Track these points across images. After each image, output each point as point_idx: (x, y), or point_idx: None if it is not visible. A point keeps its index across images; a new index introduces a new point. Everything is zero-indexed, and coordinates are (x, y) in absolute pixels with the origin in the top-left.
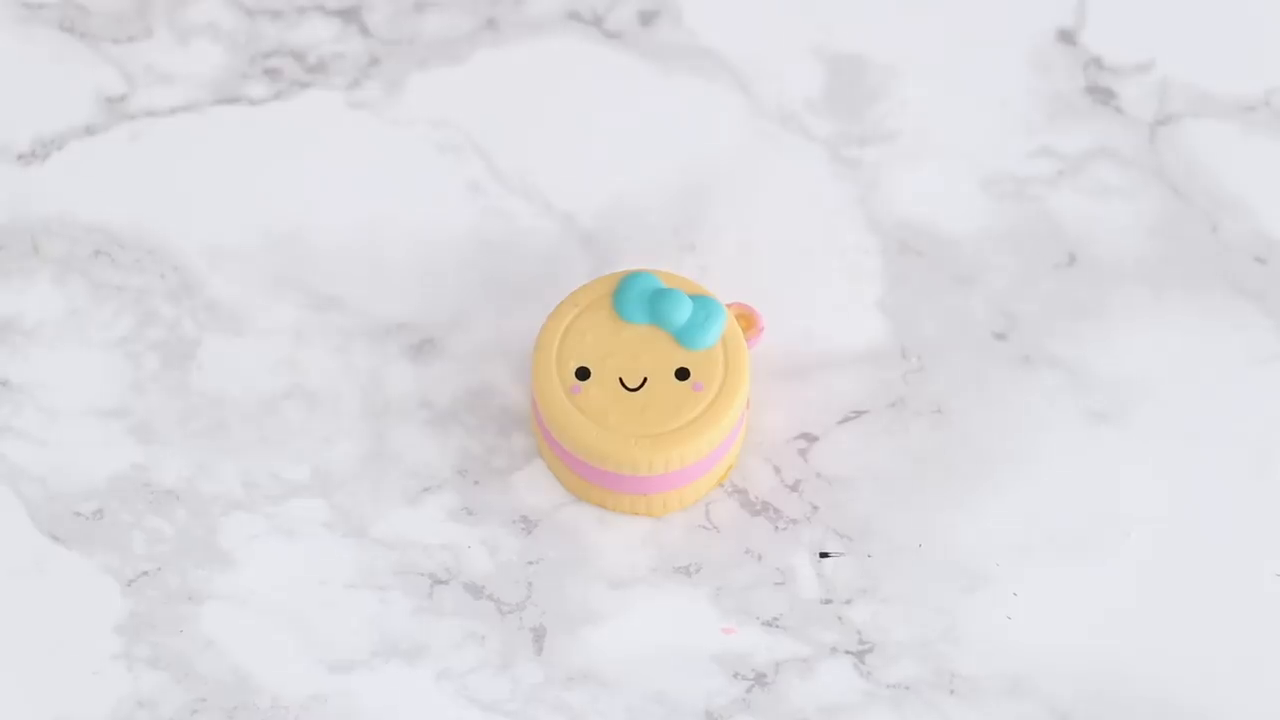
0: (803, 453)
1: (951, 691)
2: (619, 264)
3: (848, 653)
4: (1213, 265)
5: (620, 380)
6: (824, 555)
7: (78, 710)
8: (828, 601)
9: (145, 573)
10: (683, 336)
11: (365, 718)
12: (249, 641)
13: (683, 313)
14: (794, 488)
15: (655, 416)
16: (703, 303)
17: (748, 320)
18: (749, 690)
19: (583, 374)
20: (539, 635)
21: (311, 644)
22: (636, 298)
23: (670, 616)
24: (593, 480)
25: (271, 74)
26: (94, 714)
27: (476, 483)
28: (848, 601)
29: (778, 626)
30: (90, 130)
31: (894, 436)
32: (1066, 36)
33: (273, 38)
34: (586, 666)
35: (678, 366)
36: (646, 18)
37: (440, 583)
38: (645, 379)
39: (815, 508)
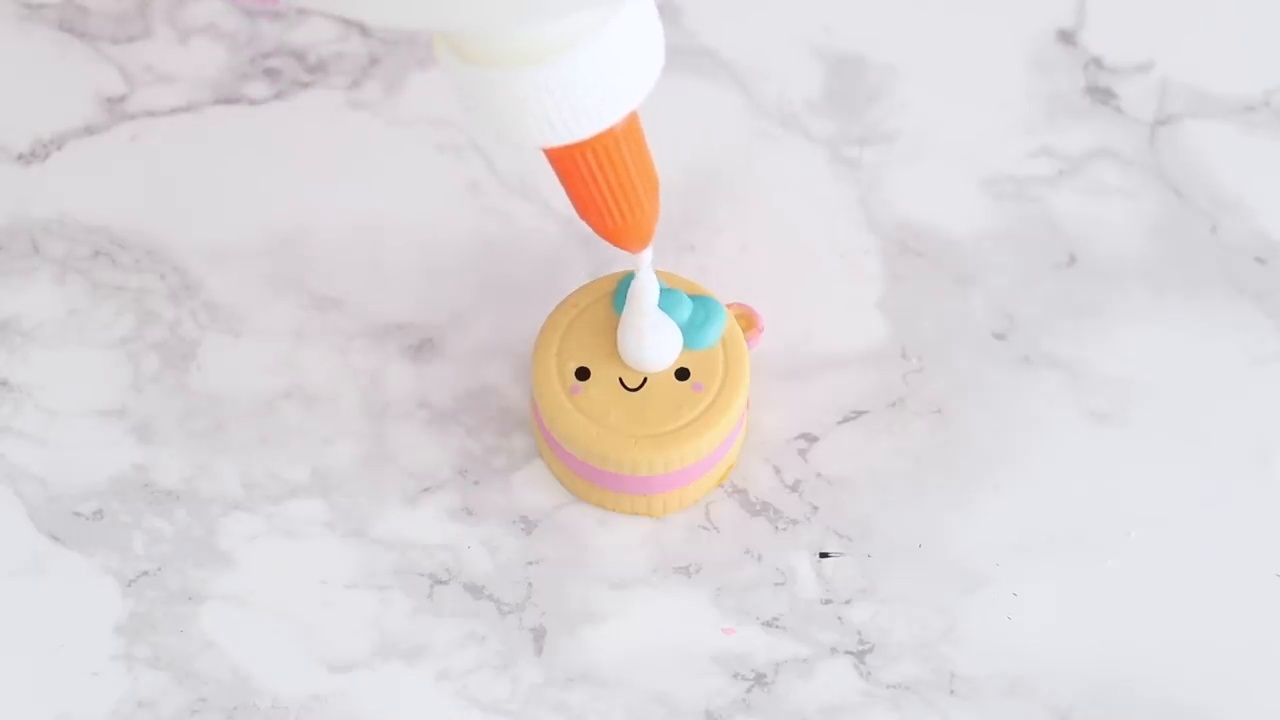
0: (803, 453)
1: (951, 691)
2: (619, 264)
3: (848, 653)
4: (1213, 265)
5: (620, 380)
6: (824, 555)
7: (78, 710)
8: (828, 601)
9: (145, 573)
10: (682, 336)
11: (365, 718)
12: (249, 641)
13: (682, 313)
14: (794, 488)
15: (655, 416)
16: (702, 303)
17: (748, 320)
18: (749, 690)
19: (583, 374)
20: (539, 635)
21: (311, 644)
22: None
23: (670, 617)
24: (593, 480)
25: (271, 74)
26: (94, 714)
27: (476, 483)
28: (848, 601)
29: (778, 627)
30: (90, 130)
31: (894, 436)
32: (1066, 36)
33: (273, 38)
34: (586, 666)
35: (678, 366)
36: None
37: (440, 583)
38: (645, 379)
39: (815, 508)
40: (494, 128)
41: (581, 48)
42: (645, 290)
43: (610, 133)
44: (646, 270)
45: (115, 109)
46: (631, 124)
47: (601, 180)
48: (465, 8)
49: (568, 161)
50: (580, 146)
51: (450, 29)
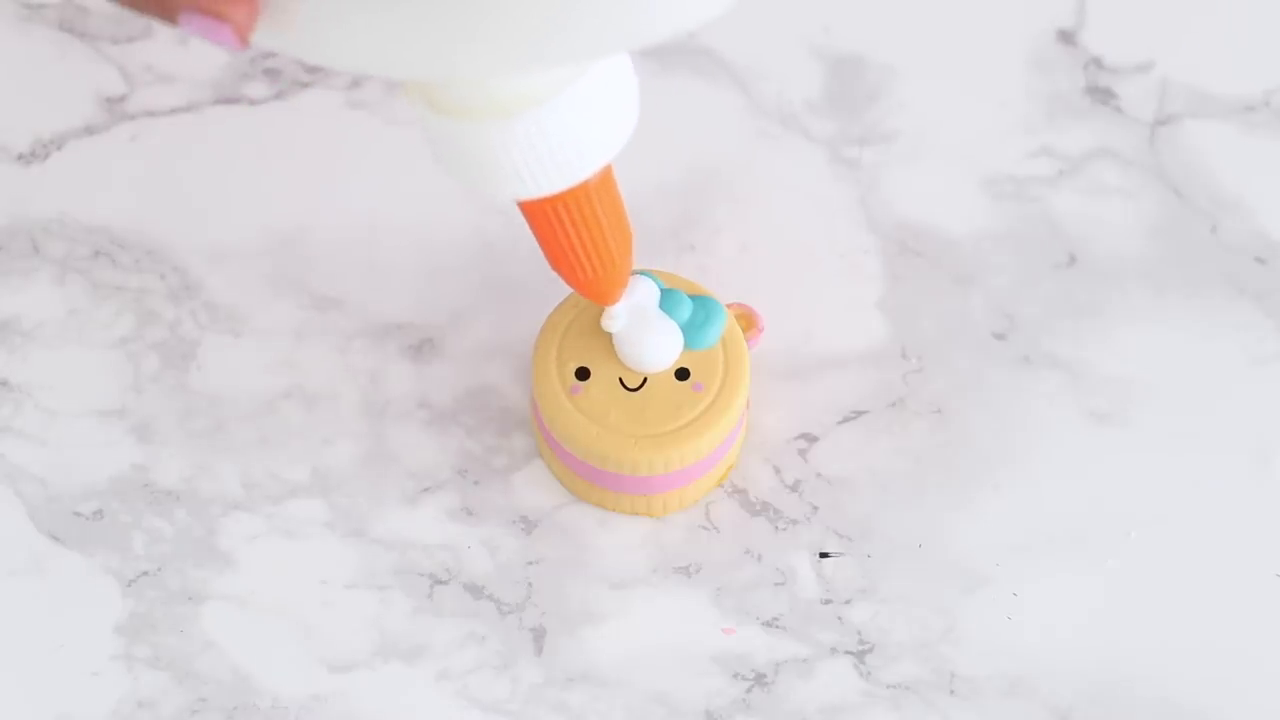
0: (803, 453)
1: (951, 691)
2: None
3: (848, 653)
4: (1213, 265)
5: (620, 380)
6: (824, 555)
7: (78, 710)
8: (828, 601)
9: (145, 573)
10: (682, 336)
11: (365, 718)
12: (249, 641)
13: (682, 313)
14: (794, 488)
15: (655, 416)
16: (702, 303)
17: (748, 320)
18: (749, 690)
19: (583, 374)
20: (539, 635)
21: (311, 644)
22: None
23: (670, 617)
24: (593, 480)
25: (271, 74)
26: (94, 714)
27: (476, 483)
28: (848, 601)
29: (778, 626)
30: (90, 130)
31: (894, 436)
32: (1066, 36)
33: None
34: (586, 666)
35: (678, 366)
36: None
37: (440, 583)
38: (645, 379)
39: (815, 508)
40: (465, 178)
41: (554, 102)
42: (618, 315)
43: (583, 187)
44: (619, 317)
45: (115, 109)
46: (605, 178)
47: (573, 234)
48: (444, 60)
49: (539, 215)
50: (552, 200)
51: (426, 80)
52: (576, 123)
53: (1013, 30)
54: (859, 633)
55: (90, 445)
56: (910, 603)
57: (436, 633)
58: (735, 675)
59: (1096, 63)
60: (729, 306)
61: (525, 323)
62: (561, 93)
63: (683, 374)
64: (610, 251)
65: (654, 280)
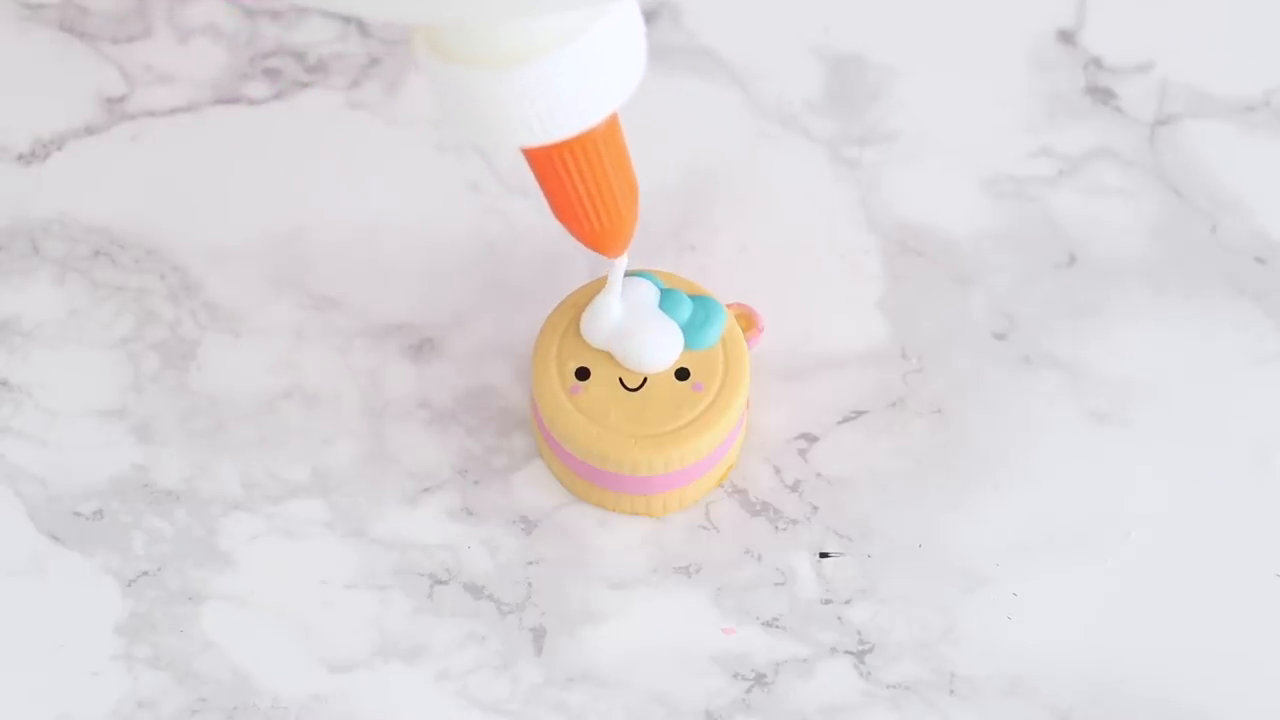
0: (803, 453)
1: (951, 691)
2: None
3: (848, 653)
4: (1213, 265)
5: (620, 380)
6: (824, 555)
7: (78, 710)
8: (828, 601)
9: (145, 573)
10: (682, 336)
11: (365, 718)
12: (249, 641)
13: (682, 313)
14: (794, 488)
15: (655, 416)
16: (702, 303)
17: (748, 320)
18: (749, 690)
19: (583, 374)
20: (539, 635)
21: (311, 644)
22: None
23: (670, 617)
24: (593, 480)
25: (271, 74)
26: (94, 714)
27: (476, 483)
28: (848, 601)
29: (778, 627)
30: (90, 130)
31: (894, 436)
32: (1066, 36)
33: (273, 38)
34: (586, 666)
35: (678, 367)
36: (645, 18)
37: (440, 583)
38: (645, 379)
39: (815, 508)
40: (473, 128)
41: (564, 48)
42: (612, 305)
43: (590, 135)
44: (618, 281)
45: (115, 109)
46: (612, 128)
47: (580, 184)
48: (455, 2)
49: (547, 163)
50: (559, 148)
51: (437, 23)
52: (587, 69)
53: (1013, 30)
54: (859, 633)
55: (90, 445)
56: (910, 603)
57: (436, 633)
58: (735, 675)
59: (1096, 63)
60: (729, 306)
61: (525, 323)
62: (572, 38)
63: (683, 374)
64: (616, 201)
65: (654, 280)
